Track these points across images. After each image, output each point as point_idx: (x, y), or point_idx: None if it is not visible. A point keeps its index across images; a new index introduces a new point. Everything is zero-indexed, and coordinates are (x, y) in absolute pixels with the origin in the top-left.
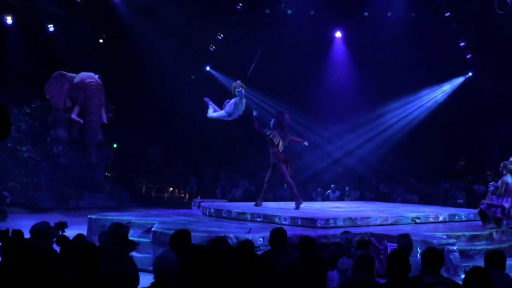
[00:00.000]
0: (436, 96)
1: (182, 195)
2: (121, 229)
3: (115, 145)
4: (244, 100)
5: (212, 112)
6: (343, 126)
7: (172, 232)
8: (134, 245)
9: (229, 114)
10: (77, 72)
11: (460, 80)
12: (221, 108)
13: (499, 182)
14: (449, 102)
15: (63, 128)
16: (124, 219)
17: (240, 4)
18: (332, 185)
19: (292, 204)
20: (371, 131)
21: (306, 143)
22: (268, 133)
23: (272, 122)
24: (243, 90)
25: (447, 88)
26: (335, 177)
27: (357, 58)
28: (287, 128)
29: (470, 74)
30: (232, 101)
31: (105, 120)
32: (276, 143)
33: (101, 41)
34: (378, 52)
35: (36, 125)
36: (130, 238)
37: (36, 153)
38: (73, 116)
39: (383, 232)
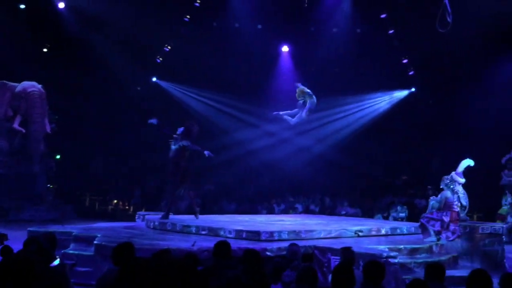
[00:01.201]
0: (378, 104)
1: (127, 207)
2: (31, 245)
3: (58, 156)
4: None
5: (293, 119)
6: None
7: (115, 245)
8: (51, 258)
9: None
10: (19, 82)
11: (404, 93)
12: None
13: (439, 196)
14: (392, 117)
15: (3, 138)
16: (66, 231)
17: (188, 16)
18: (278, 198)
19: (238, 217)
20: (315, 145)
21: (207, 153)
22: (187, 144)
23: (180, 130)
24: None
25: (387, 98)
26: (280, 190)
27: (303, 72)
28: (194, 138)
29: (413, 89)
30: (307, 105)
31: (48, 130)
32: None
33: (45, 50)
34: (324, 67)
35: None
36: (72, 251)
37: None
38: (15, 125)
39: (326, 245)
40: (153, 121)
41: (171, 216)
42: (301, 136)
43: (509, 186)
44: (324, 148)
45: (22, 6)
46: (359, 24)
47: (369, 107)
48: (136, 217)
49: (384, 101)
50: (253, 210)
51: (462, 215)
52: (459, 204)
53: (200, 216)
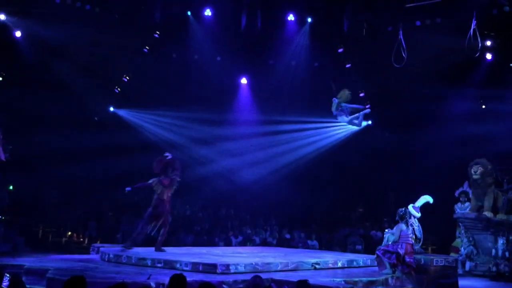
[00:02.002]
0: (334, 132)
1: (81, 239)
2: None
3: (11, 187)
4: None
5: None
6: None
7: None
8: None
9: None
10: None
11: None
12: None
13: (394, 229)
14: (348, 149)
15: None
16: (18, 264)
17: (147, 47)
18: (235, 230)
19: (195, 250)
20: (272, 174)
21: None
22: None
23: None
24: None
25: (343, 129)
26: (237, 222)
27: (261, 104)
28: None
29: (370, 122)
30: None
31: (3, 158)
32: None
33: (0, 79)
34: (282, 99)
35: None
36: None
37: None
38: None
39: (283, 277)
40: (128, 189)
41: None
42: (256, 167)
43: (462, 218)
44: (280, 180)
45: None
46: (317, 57)
47: (325, 137)
48: (91, 250)
49: (340, 130)
50: (210, 242)
51: (416, 247)
52: (413, 237)
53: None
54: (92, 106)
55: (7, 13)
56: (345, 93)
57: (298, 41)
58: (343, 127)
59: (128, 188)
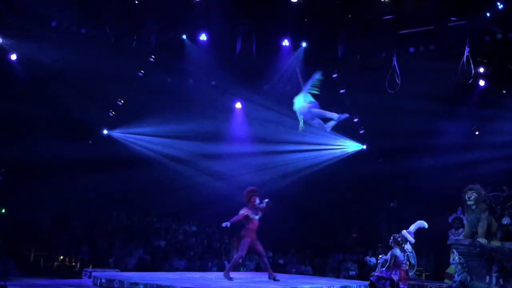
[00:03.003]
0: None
1: (73, 263)
2: None
3: (3, 210)
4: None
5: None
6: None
7: None
8: None
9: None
10: None
11: (354, 146)
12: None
13: (389, 254)
14: (342, 175)
15: None
16: None
17: (142, 71)
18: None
19: (188, 275)
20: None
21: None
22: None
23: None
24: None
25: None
26: (231, 247)
27: (256, 129)
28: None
29: (364, 147)
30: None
31: None
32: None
33: None
34: (276, 124)
35: None
36: None
37: None
38: None
39: None
40: (227, 224)
41: (119, 273)
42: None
43: (456, 245)
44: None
45: None
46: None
47: (318, 162)
48: (83, 274)
49: (334, 154)
50: (203, 267)
51: (411, 274)
52: (408, 263)
53: (148, 274)
54: (86, 129)
55: (2, 36)
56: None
57: (292, 66)
58: (337, 152)
59: (227, 224)
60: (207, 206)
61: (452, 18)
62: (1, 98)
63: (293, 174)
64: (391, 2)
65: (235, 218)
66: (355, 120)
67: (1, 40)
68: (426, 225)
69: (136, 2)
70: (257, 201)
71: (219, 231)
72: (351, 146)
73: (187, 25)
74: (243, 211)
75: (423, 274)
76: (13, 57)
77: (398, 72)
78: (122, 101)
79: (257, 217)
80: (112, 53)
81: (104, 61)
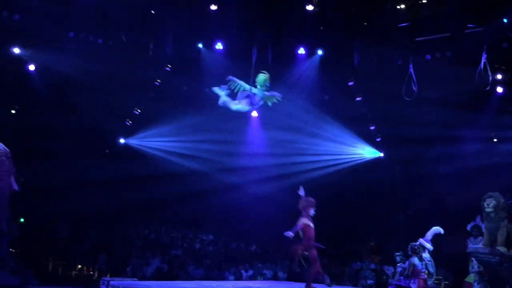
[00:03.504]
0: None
1: (91, 272)
2: None
3: (22, 220)
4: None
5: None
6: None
7: None
8: None
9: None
10: None
11: (372, 152)
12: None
13: (407, 263)
14: (358, 182)
15: None
16: None
17: (159, 80)
18: (246, 264)
19: (204, 283)
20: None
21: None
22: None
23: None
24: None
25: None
26: (248, 256)
27: (272, 136)
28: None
29: (382, 154)
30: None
31: (16, 188)
32: None
33: (13, 111)
34: (292, 131)
35: None
36: None
37: None
38: None
39: None
40: (290, 234)
41: (137, 282)
42: (265, 199)
43: (475, 253)
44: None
45: None
46: (327, 90)
47: (335, 171)
48: (101, 283)
49: (350, 161)
50: (220, 276)
51: (429, 282)
52: (426, 272)
53: (166, 283)
54: (103, 138)
55: (21, 47)
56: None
57: (308, 74)
58: (354, 157)
59: (290, 234)
60: (224, 215)
61: (469, 25)
62: (20, 108)
63: (309, 182)
64: (407, 9)
65: (297, 228)
66: (372, 128)
67: (19, 51)
68: (442, 230)
69: (153, 12)
70: (312, 212)
71: (236, 240)
72: (368, 152)
73: (203, 34)
74: (304, 220)
75: (442, 283)
76: (31, 67)
77: (414, 79)
78: (139, 110)
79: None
80: (129, 62)
81: (120, 70)
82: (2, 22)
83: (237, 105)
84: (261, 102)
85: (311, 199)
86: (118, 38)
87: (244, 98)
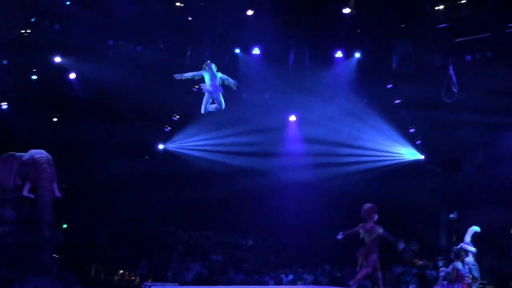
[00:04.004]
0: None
1: (133, 277)
2: None
3: (65, 226)
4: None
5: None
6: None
7: None
8: None
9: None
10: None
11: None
12: None
13: (450, 268)
14: (399, 186)
15: (11, 207)
16: None
17: (196, 87)
18: (286, 269)
19: None
20: (321, 211)
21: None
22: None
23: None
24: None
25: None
26: (288, 261)
27: (311, 141)
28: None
29: (423, 157)
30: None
31: (58, 194)
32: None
33: (55, 119)
34: (330, 135)
35: None
36: None
37: None
38: (24, 193)
39: None
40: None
41: (178, 286)
42: (304, 204)
43: None
44: (328, 216)
45: (34, 77)
46: (366, 93)
47: (375, 175)
48: None
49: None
50: (260, 281)
51: (474, 287)
52: (470, 276)
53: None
54: (143, 144)
55: (62, 56)
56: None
57: (345, 77)
58: (393, 158)
59: (340, 236)
60: (264, 220)
61: (509, 24)
62: (61, 116)
63: (346, 188)
64: (446, 9)
65: (354, 230)
66: (411, 130)
67: (60, 60)
68: (478, 229)
69: (190, 18)
70: (376, 217)
71: (276, 245)
72: (409, 154)
73: (240, 39)
74: (371, 226)
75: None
76: (72, 76)
77: (454, 80)
78: (178, 116)
79: (381, 230)
80: (167, 69)
81: (158, 76)
82: (43, 32)
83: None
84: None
85: (370, 205)
86: (156, 45)
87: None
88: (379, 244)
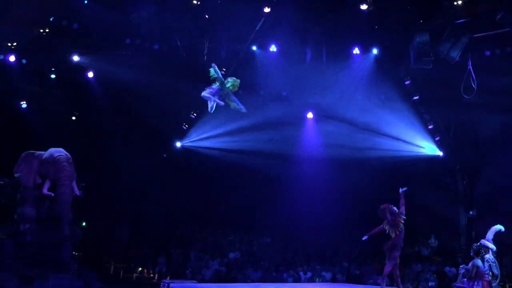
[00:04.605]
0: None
1: (151, 275)
2: None
3: (84, 223)
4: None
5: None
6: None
7: None
8: None
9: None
10: (48, 149)
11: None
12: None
13: (470, 265)
14: (417, 184)
15: (31, 205)
16: None
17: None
18: (304, 266)
19: (263, 286)
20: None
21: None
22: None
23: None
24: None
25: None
26: (306, 258)
27: (329, 138)
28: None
29: (442, 154)
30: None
31: (77, 192)
32: None
33: (73, 118)
34: (348, 131)
35: (3, 202)
36: None
37: (1, 231)
38: (44, 191)
39: None
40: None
41: (197, 284)
42: (324, 201)
43: None
44: (347, 215)
45: (53, 76)
46: (383, 90)
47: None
48: (161, 285)
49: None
50: (279, 278)
51: (494, 284)
52: (490, 273)
53: (225, 285)
54: (161, 142)
55: (80, 54)
56: (236, 82)
57: (363, 73)
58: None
59: (365, 237)
60: (282, 218)
61: None
62: (80, 114)
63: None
64: (464, 5)
65: (378, 229)
66: (430, 127)
67: (78, 59)
68: (502, 228)
69: (207, 16)
70: (395, 208)
71: (294, 242)
72: (428, 149)
73: (257, 36)
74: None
75: (507, 285)
76: (90, 74)
77: (473, 76)
78: (195, 114)
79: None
80: (184, 66)
81: (176, 74)
82: (61, 32)
83: (205, 92)
84: (222, 103)
85: (387, 205)
86: (172, 43)
87: (214, 90)
88: (403, 240)
